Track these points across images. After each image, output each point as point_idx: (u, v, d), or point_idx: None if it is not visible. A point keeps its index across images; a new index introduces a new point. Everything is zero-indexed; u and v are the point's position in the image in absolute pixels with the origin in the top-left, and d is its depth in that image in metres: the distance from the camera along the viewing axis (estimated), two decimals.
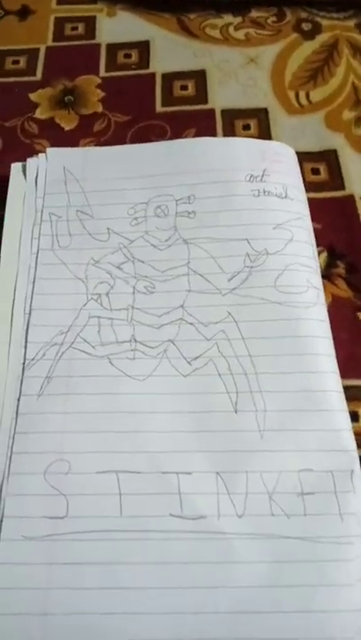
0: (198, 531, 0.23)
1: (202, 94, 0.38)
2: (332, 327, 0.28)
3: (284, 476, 0.24)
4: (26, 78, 0.40)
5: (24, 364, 0.27)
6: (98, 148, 0.34)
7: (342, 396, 0.26)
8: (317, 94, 0.38)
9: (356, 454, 0.25)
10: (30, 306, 0.29)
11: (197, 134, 0.36)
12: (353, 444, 0.25)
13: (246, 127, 0.36)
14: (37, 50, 0.41)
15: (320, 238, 0.31)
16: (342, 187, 0.33)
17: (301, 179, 0.33)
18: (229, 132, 0.36)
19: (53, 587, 0.23)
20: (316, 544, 0.23)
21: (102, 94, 0.39)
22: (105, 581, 0.23)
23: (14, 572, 0.23)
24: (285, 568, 0.23)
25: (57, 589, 0.23)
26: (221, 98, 0.38)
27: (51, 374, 0.27)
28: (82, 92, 0.39)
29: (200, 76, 0.39)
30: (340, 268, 0.31)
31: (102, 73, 0.40)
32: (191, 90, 0.38)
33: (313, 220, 0.32)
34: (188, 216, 0.31)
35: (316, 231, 0.31)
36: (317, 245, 0.31)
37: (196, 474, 0.24)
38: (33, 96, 0.39)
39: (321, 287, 0.29)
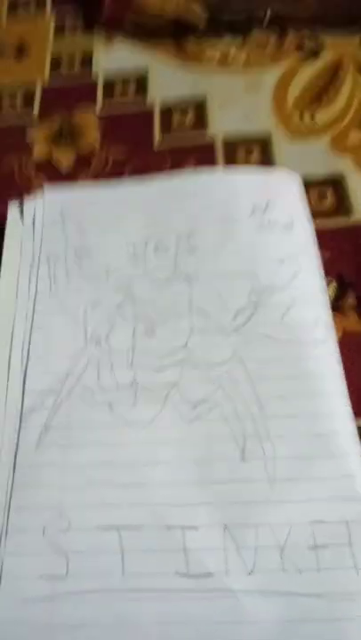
0: (205, 589, 0.24)
1: (202, 122, 0.39)
2: (343, 363, 0.28)
3: (295, 528, 0.24)
4: (22, 116, 0.42)
5: (21, 413, 0.28)
6: (95, 187, 0.36)
7: (356, 438, 0.26)
8: (322, 116, 0.39)
9: None
10: (28, 352, 0.30)
11: (198, 164, 0.37)
12: None
13: (249, 153, 0.37)
14: (34, 87, 0.44)
15: (329, 268, 0.32)
16: (350, 213, 0.34)
17: (307, 207, 0.33)
18: (231, 160, 0.37)
19: None
20: (329, 601, 0.23)
21: (99, 130, 0.40)
22: None
23: (14, 635, 0.23)
24: (298, 628, 0.23)
25: None
26: (222, 125, 0.39)
27: (49, 424, 0.28)
28: (79, 130, 0.41)
29: (200, 104, 0.40)
30: (351, 299, 0.31)
31: (99, 108, 0.41)
32: (191, 119, 0.40)
33: (321, 248, 0.32)
34: (190, 252, 0.32)
35: (324, 260, 0.32)
36: (326, 276, 0.31)
37: (202, 528, 0.25)
38: (29, 134, 0.41)
39: (331, 322, 0.29)
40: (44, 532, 0.25)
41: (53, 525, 0.25)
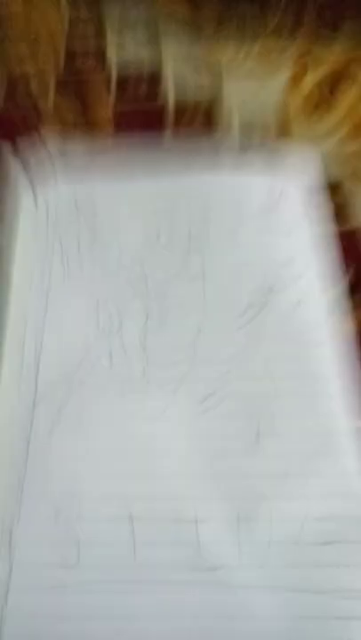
0: (214, 582, 0.23)
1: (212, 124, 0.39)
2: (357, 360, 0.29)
3: (306, 523, 0.24)
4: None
5: (34, 401, 0.28)
6: (110, 179, 0.35)
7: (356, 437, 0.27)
8: (324, 124, 0.39)
9: None
10: (41, 342, 0.29)
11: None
12: None
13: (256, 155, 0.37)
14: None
15: (333, 270, 0.32)
16: (351, 219, 0.34)
17: (313, 210, 0.34)
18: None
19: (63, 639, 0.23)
20: (335, 599, 0.23)
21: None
22: (116, 635, 0.23)
23: (25, 624, 0.23)
24: (303, 624, 0.23)
25: None
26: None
27: (61, 413, 0.27)
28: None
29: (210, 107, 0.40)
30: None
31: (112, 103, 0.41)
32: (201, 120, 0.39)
33: (325, 252, 0.32)
34: (200, 249, 0.32)
35: (328, 263, 0.32)
36: (330, 278, 0.32)
37: (213, 521, 0.25)
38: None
39: (336, 322, 0.30)
40: (55, 521, 0.25)
41: (65, 514, 0.25)
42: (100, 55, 0.44)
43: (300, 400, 0.27)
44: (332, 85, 0.41)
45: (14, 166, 0.36)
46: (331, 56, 0.43)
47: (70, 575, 0.24)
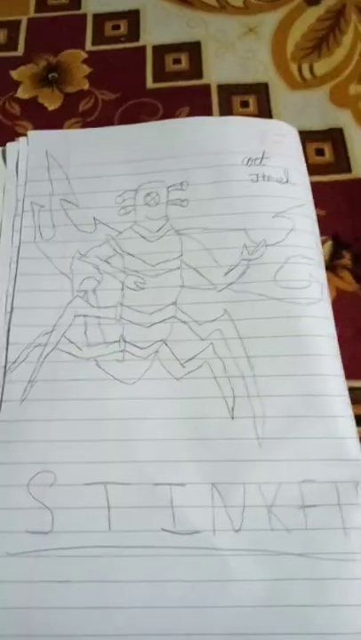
0: (192, 547, 0.23)
1: (196, 68, 0.37)
2: (336, 323, 0.27)
3: (284, 487, 0.24)
4: (6, 54, 0.39)
5: (5, 367, 0.27)
6: (83, 131, 0.33)
7: (347, 400, 0.25)
8: (322, 66, 0.36)
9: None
10: (12, 304, 0.28)
11: (191, 112, 0.35)
12: (359, 453, 0.24)
13: (245, 104, 0.35)
14: (19, 22, 0.40)
15: (324, 226, 0.30)
16: (348, 169, 0.32)
17: (304, 161, 0.31)
18: (226, 109, 0.35)
19: (37, 606, 0.22)
20: (317, 561, 0.22)
21: (89, 70, 0.37)
22: (91, 601, 0.22)
23: None
24: (284, 587, 0.22)
25: (40, 609, 0.22)
26: (217, 72, 0.36)
27: (34, 378, 0.26)
28: (67, 68, 0.38)
29: (194, 49, 0.37)
30: (346, 259, 0.30)
31: (88, 46, 0.38)
32: (185, 64, 0.37)
33: (317, 206, 0.31)
34: (181, 204, 0.30)
35: (319, 218, 0.30)
36: (321, 234, 0.30)
37: (190, 485, 0.24)
38: (14, 74, 0.38)
39: (325, 281, 0.28)
40: (28, 488, 0.24)
41: (38, 480, 0.24)
42: None
43: (288, 361, 0.26)
44: (332, 25, 0.38)
45: None
46: None
47: (44, 541, 0.23)
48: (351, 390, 0.26)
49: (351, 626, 0.21)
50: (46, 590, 0.22)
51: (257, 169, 0.30)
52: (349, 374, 0.26)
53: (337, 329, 0.27)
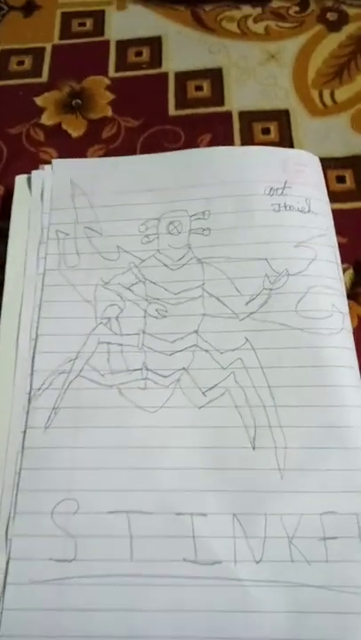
0: (213, 577, 0.23)
1: (218, 95, 0.37)
2: (358, 353, 0.28)
3: (305, 519, 0.24)
4: (31, 80, 0.40)
5: (30, 393, 0.27)
6: (106, 159, 0.34)
7: None
8: (344, 93, 0.37)
9: None
10: (37, 331, 0.29)
11: (213, 139, 0.35)
12: None
13: (266, 131, 0.35)
14: (43, 49, 0.41)
15: (346, 254, 0.31)
16: None
17: (326, 189, 0.32)
18: (247, 136, 0.35)
19: (62, 635, 0.23)
20: (338, 594, 0.23)
21: (112, 97, 0.38)
22: (114, 629, 0.23)
23: (22, 618, 0.23)
24: (305, 619, 0.22)
25: (64, 637, 0.23)
26: (239, 99, 0.37)
27: (58, 405, 0.27)
28: (90, 95, 0.39)
29: (216, 75, 0.38)
30: None
31: (112, 73, 0.39)
32: (206, 90, 0.38)
33: (338, 233, 0.31)
34: (203, 233, 0.31)
35: (341, 246, 0.31)
36: (343, 262, 0.30)
37: (212, 515, 0.24)
38: (38, 100, 0.39)
39: (347, 311, 0.28)
40: (52, 515, 0.25)
41: (62, 508, 0.25)
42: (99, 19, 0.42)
43: (310, 391, 0.26)
44: (354, 52, 0.38)
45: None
46: (354, 13, 0.40)
47: (67, 569, 0.24)
48: None
49: None
50: (70, 618, 0.23)
51: (279, 199, 0.30)
52: None
53: (359, 358, 0.28)
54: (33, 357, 0.28)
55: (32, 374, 0.28)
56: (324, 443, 0.25)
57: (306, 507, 0.24)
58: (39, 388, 0.27)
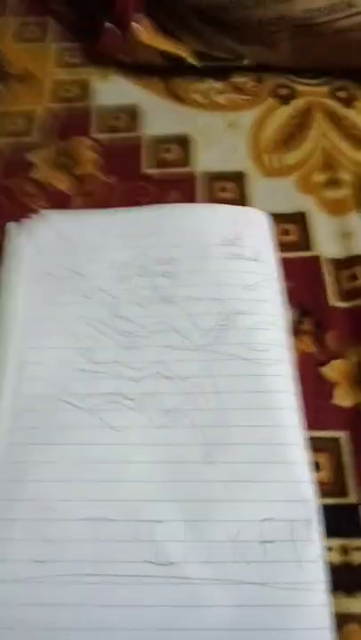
0: (168, 576, 0.25)
1: (185, 158, 0.40)
2: (299, 381, 0.30)
3: (246, 524, 0.26)
4: (23, 139, 0.42)
5: (15, 415, 0.29)
6: (88, 212, 0.36)
7: (304, 448, 0.28)
8: (290, 158, 0.40)
9: (314, 505, 0.26)
10: (23, 360, 0.31)
11: (180, 195, 0.38)
12: (312, 495, 0.27)
13: (223, 190, 0.38)
14: (33, 111, 0.44)
15: (292, 296, 0.33)
16: (308, 248, 0.35)
17: (273, 241, 0.35)
18: (208, 193, 0.38)
19: (30, 627, 0.24)
20: (276, 590, 0.24)
21: (94, 155, 0.41)
22: (82, 622, 0.24)
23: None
24: (247, 612, 0.24)
25: (33, 630, 0.24)
26: (203, 161, 0.40)
27: (38, 425, 0.29)
28: (75, 153, 0.41)
29: (184, 141, 0.41)
30: (307, 325, 0.33)
31: (94, 134, 0.42)
32: (175, 153, 0.41)
33: (286, 278, 0.34)
34: (167, 275, 0.33)
35: (288, 289, 0.33)
36: (289, 302, 0.33)
37: (167, 522, 0.26)
38: (30, 156, 0.41)
39: (287, 344, 0.31)
40: (29, 521, 0.26)
41: (38, 515, 0.26)
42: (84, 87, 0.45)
43: (254, 413, 0.29)
44: (301, 122, 0.41)
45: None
46: (300, 94, 0.43)
47: (41, 569, 0.25)
48: (311, 439, 0.28)
49: None
50: (39, 613, 0.24)
51: (231, 248, 0.33)
52: (310, 425, 0.29)
53: (300, 385, 0.30)
54: (19, 383, 0.30)
55: (17, 398, 0.29)
56: (266, 458, 0.27)
57: (248, 514, 0.26)
58: (22, 410, 0.29)
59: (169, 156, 0.41)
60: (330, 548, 0.26)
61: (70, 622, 0.24)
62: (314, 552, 0.25)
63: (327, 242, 0.36)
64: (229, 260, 0.33)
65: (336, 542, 0.27)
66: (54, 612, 0.24)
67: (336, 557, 0.26)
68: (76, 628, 0.24)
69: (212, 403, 0.29)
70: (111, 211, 0.36)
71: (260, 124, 0.42)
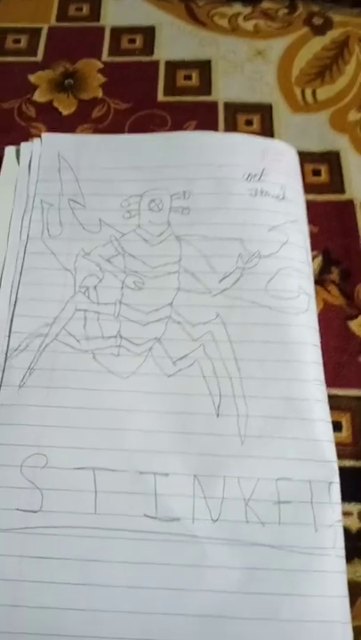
0: (171, 533, 0.24)
1: (206, 85, 0.38)
2: (321, 334, 0.28)
3: (261, 483, 0.24)
4: (26, 58, 0.40)
5: (7, 354, 0.27)
6: (94, 136, 0.34)
7: (326, 405, 0.26)
8: (324, 92, 0.37)
9: (335, 466, 0.25)
10: (17, 295, 0.29)
11: (198, 126, 0.36)
12: (333, 456, 0.25)
13: (249, 122, 0.36)
14: (39, 29, 0.41)
15: (316, 242, 0.31)
16: (343, 190, 0.33)
17: (301, 180, 0.32)
18: (231, 126, 0.36)
19: (24, 579, 0.23)
20: (288, 553, 0.23)
21: (103, 79, 0.38)
22: (74, 578, 0.23)
23: None
24: (256, 575, 0.23)
25: (27, 582, 0.23)
26: (225, 90, 0.37)
27: (33, 366, 0.27)
28: (82, 77, 0.38)
29: (205, 67, 0.38)
30: (334, 275, 0.31)
31: (105, 57, 0.39)
32: (195, 80, 0.38)
33: (310, 223, 0.32)
34: (183, 212, 0.31)
35: (312, 235, 0.31)
36: (313, 249, 0.31)
37: (173, 475, 0.25)
38: (32, 77, 0.39)
39: (313, 293, 0.29)
40: (21, 468, 0.25)
41: (31, 462, 0.25)
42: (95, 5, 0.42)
43: (272, 365, 0.27)
44: (336, 55, 0.39)
45: None
46: (336, 24, 0.40)
47: (33, 519, 0.24)
48: (331, 397, 0.27)
49: (317, 615, 0.22)
50: (33, 565, 0.23)
51: (256, 184, 0.31)
52: (331, 383, 0.27)
53: (322, 339, 0.28)
54: (12, 320, 0.28)
55: (10, 336, 0.28)
56: (284, 413, 0.26)
57: (263, 472, 0.25)
58: (16, 349, 0.27)
59: (188, 84, 0.38)
60: (348, 513, 0.25)
61: (63, 577, 0.23)
62: (332, 516, 0.24)
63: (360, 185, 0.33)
64: (253, 198, 0.31)
65: (355, 507, 0.25)
66: (46, 565, 0.23)
67: (355, 523, 0.25)
68: (69, 583, 0.23)
69: (227, 352, 0.27)
70: (120, 136, 0.34)
71: (291, 54, 0.39)
